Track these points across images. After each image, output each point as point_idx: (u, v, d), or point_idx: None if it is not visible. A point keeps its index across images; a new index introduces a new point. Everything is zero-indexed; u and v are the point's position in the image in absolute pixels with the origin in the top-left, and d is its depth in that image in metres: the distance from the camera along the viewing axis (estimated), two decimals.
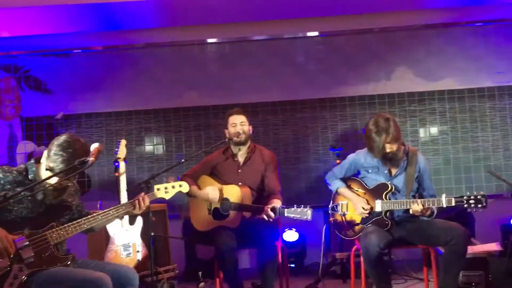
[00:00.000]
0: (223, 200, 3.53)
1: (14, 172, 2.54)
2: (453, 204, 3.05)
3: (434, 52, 5.09)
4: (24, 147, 5.14)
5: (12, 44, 5.12)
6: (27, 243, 2.41)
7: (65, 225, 2.55)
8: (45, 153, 2.55)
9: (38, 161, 2.60)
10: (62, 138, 2.55)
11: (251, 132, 3.71)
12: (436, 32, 5.10)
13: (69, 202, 2.67)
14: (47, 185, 2.49)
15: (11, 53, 5.15)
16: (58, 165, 2.47)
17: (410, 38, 5.11)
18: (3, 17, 4.65)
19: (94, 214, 2.65)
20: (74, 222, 2.57)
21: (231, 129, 3.66)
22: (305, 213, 3.19)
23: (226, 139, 3.69)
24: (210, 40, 5.21)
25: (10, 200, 2.30)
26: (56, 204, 2.61)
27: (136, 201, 2.73)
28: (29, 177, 2.55)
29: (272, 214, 3.29)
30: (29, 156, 5.12)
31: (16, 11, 4.52)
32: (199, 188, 3.63)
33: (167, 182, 2.95)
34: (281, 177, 4.89)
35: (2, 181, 2.49)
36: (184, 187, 2.96)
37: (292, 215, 3.23)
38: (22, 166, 2.60)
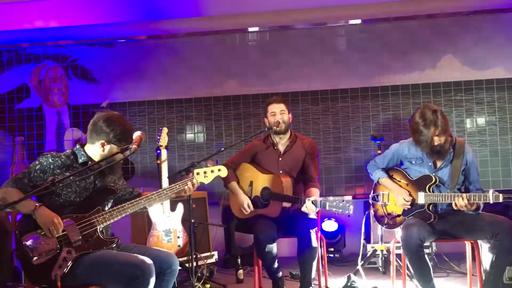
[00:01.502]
0: (263, 189, 3.54)
1: (62, 157, 2.63)
2: (501, 200, 2.94)
3: (482, 40, 4.89)
4: (72, 134, 5.33)
5: (60, 34, 5.29)
6: (75, 226, 2.50)
7: (110, 209, 2.63)
8: (106, 142, 2.60)
9: (83, 146, 2.69)
10: (111, 119, 2.63)
11: (291, 120, 3.69)
12: (484, 19, 4.90)
13: (113, 186, 2.74)
14: (112, 161, 2.59)
15: (59, 42, 5.33)
16: (116, 133, 2.58)
17: (457, 25, 4.93)
18: (52, 7, 4.82)
19: (148, 194, 2.71)
20: (119, 206, 2.64)
21: (271, 118, 3.64)
22: (347, 207, 3.13)
23: (266, 128, 3.68)
24: (251, 29, 5.20)
25: (58, 184, 2.38)
26: (102, 188, 2.68)
27: (189, 183, 2.76)
28: (80, 160, 2.64)
29: (313, 207, 3.26)
30: (76, 143, 5.29)
31: (64, 1, 4.67)
32: (237, 179, 3.66)
33: (206, 166, 2.97)
34: (321, 167, 4.89)
35: (52, 166, 2.57)
36: (223, 171, 2.96)
37: (334, 209, 3.19)
38: (69, 151, 2.69)
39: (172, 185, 2.81)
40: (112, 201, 2.75)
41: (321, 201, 3.23)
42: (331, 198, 3.17)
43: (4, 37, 5.33)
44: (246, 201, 3.54)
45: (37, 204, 2.44)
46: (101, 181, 2.70)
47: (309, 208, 3.26)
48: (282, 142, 3.68)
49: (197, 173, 2.91)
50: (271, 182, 3.51)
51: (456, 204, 3.05)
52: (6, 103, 5.37)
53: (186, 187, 2.79)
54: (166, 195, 2.76)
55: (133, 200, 2.67)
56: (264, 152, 3.70)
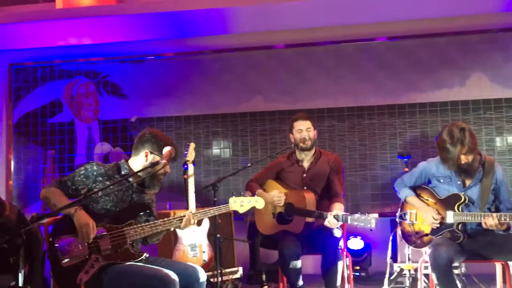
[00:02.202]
0: (287, 205, 3.54)
1: (106, 166, 2.76)
2: None
3: (511, 57, 4.82)
4: (101, 148, 5.45)
5: (92, 51, 5.46)
6: (107, 236, 2.57)
7: (142, 224, 2.68)
8: (150, 152, 2.74)
9: (127, 161, 2.81)
10: (154, 133, 2.79)
11: (315, 137, 3.70)
12: None
13: (149, 204, 2.82)
14: (159, 174, 2.73)
15: (91, 59, 5.49)
16: (160, 144, 2.74)
17: (486, 42, 4.88)
18: (85, 25, 4.98)
19: (181, 215, 2.79)
20: (151, 222, 2.70)
21: (297, 135, 3.65)
22: (369, 221, 3.12)
23: (292, 145, 3.70)
24: (277, 46, 5.25)
25: (90, 196, 2.47)
26: (138, 203, 2.77)
27: (185, 220, 2.78)
28: (122, 172, 2.75)
29: (335, 221, 3.25)
30: (105, 157, 5.41)
31: (97, 20, 4.82)
32: (265, 191, 3.67)
33: (243, 195, 3.00)
34: (346, 184, 4.86)
35: (95, 173, 2.69)
36: (260, 203, 2.99)
37: (355, 223, 3.18)
38: (113, 164, 2.82)
39: (208, 208, 2.90)
40: (144, 217, 2.81)
41: (343, 215, 3.22)
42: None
43: (39, 54, 5.53)
44: (276, 193, 3.52)
45: (77, 207, 2.54)
46: (138, 195, 2.78)
47: (331, 222, 3.25)
48: (307, 159, 3.69)
49: (234, 201, 2.96)
50: (295, 198, 3.51)
51: (486, 223, 2.99)
52: (39, 117, 5.53)
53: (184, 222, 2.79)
54: (200, 217, 2.86)
55: (165, 219, 2.73)
56: (289, 169, 3.70)
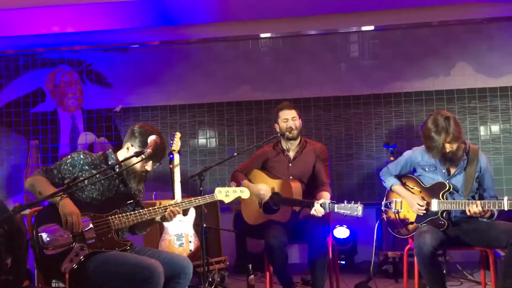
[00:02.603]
0: (273, 194, 3.54)
1: (93, 155, 2.74)
2: None
3: (496, 47, 4.87)
4: (85, 138, 5.39)
5: (76, 39, 5.37)
6: (91, 225, 2.55)
7: (128, 213, 2.67)
8: (131, 145, 2.70)
9: (116, 151, 2.79)
10: (141, 128, 2.73)
11: (301, 126, 3.69)
12: (498, 26, 4.88)
13: (135, 193, 2.80)
14: (139, 171, 2.68)
15: (74, 47, 5.40)
16: (142, 139, 2.68)
17: (471, 32, 4.92)
18: (68, 13, 4.88)
19: (167, 204, 2.76)
20: (136, 212, 2.68)
21: (282, 124, 3.64)
22: (356, 209, 3.14)
23: (278, 134, 3.69)
24: (263, 35, 5.23)
25: (72, 187, 2.45)
26: (124, 193, 2.75)
27: (170, 212, 2.75)
28: (109, 162, 2.73)
29: (321, 209, 3.26)
30: (90, 147, 5.35)
31: (80, 7, 4.73)
32: (251, 182, 3.67)
33: (228, 186, 3.01)
34: (332, 173, 4.87)
35: (82, 162, 2.67)
36: (245, 193, 3.00)
37: (342, 211, 3.19)
38: (100, 153, 2.79)
39: (194, 198, 2.88)
40: (131, 207, 2.79)
41: (329, 203, 3.23)
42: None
43: (21, 42, 5.41)
44: (263, 187, 3.52)
45: (63, 195, 2.52)
46: (125, 186, 2.76)
47: (318, 211, 3.26)
48: (292, 148, 3.68)
49: (219, 192, 2.96)
50: (281, 187, 3.52)
51: (469, 211, 3.02)
52: (21, 107, 5.44)
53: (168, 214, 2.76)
54: (184, 207, 2.84)
55: (151, 208, 2.71)
56: (275, 159, 3.70)
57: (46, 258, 2.49)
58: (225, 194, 2.96)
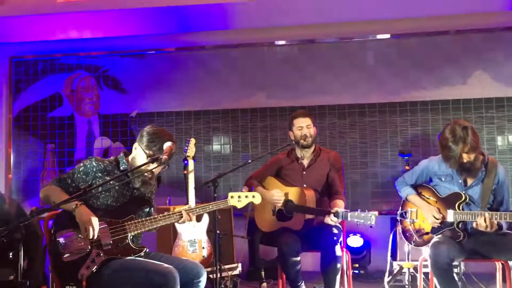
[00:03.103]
0: (287, 202, 3.53)
1: (106, 162, 2.74)
2: None
3: None
4: (101, 142, 5.44)
5: (93, 45, 5.44)
6: (108, 231, 2.56)
7: (143, 219, 2.67)
8: (138, 145, 2.71)
9: (127, 155, 2.79)
10: (152, 128, 2.73)
11: (315, 134, 3.69)
12: None
13: (149, 198, 2.81)
14: (144, 171, 2.66)
15: (92, 53, 5.46)
16: (155, 148, 2.66)
17: (488, 41, 4.87)
18: (86, 19, 4.96)
19: (181, 209, 2.77)
20: (152, 217, 2.69)
21: (297, 132, 3.64)
22: (369, 218, 3.12)
23: (292, 141, 3.68)
24: (278, 42, 5.24)
25: (89, 192, 2.45)
26: (139, 197, 2.76)
27: (184, 215, 2.76)
28: (121, 167, 2.73)
29: (335, 219, 3.25)
30: (105, 151, 5.40)
31: (97, 14, 4.80)
32: (265, 189, 3.67)
33: (241, 191, 3.01)
34: (346, 181, 4.84)
35: (94, 169, 2.67)
36: (257, 198, 3.00)
37: (355, 220, 3.18)
38: (113, 158, 2.79)
39: (207, 204, 2.89)
40: (146, 211, 2.81)
41: (343, 212, 3.21)
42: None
43: (39, 47, 5.51)
44: (275, 193, 3.52)
45: (78, 203, 2.52)
46: (138, 190, 2.76)
47: (332, 219, 3.24)
48: (306, 156, 3.68)
49: (231, 197, 2.96)
50: (294, 195, 3.51)
51: (477, 224, 2.98)
52: (39, 111, 5.52)
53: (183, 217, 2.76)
54: (198, 213, 2.85)
55: (165, 213, 2.72)
56: (289, 166, 3.70)
57: (63, 264, 2.49)
58: (238, 199, 2.96)
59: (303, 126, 3.61)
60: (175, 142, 2.71)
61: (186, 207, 2.82)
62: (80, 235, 2.50)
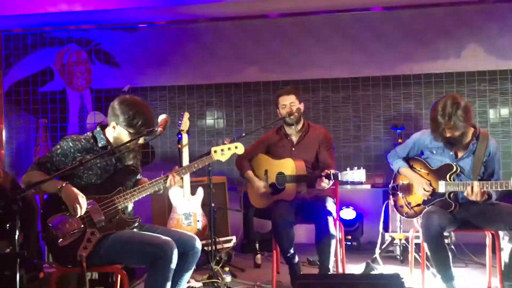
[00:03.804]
0: (278, 174, 3.57)
1: (83, 140, 2.66)
2: None
3: (508, 29, 4.80)
4: (94, 117, 5.41)
5: (84, 18, 5.34)
6: (98, 207, 2.55)
7: (131, 189, 2.66)
8: (117, 124, 2.63)
9: (104, 128, 2.71)
10: (123, 105, 2.62)
11: (302, 110, 3.68)
12: (510, 8, 4.79)
13: (135, 167, 2.76)
14: (131, 147, 2.60)
15: (83, 26, 5.38)
16: (141, 127, 2.59)
17: (482, 13, 4.84)
18: None
19: (168, 174, 2.73)
20: (140, 187, 2.67)
21: (282, 110, 3.67)
22: (360, 174, 3.18)
23: (283, 119, 3.69)
24: (271, 15, 5.18)
25: (85, 164, 2.42)
26: (123, 169, 2.72)
27: (170, 176, 2.72)
28: (99, 144, 2.67)
29: (327, 181, 3.28)
30: (97, 125, 5.37)
31: None
32: (253, 170, 3.71)
33: (223, 143, 2.99)
34: (340, 155, 4.88)
35: (72, 150, 2.61)
36: (240, 148, 2.98)
37: (346, 178, 3.23)
38: (89, 134, 2.72)
39: (192, 163, 2.86)
40: (133, 181, 2.79)
41: (333, 173, 3.25)
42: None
43: (29, 21, 5.40)
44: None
45: (63, 184, 2.49)
46: (122, 163, 2.72)
47: (324, 182, 3.28)
48: (294, 133, 3.69)
49: (215, 151, 2.93)
50: (284, 166, 3.54)
51: (468, 193, 3.02)
52: (30, 85, 5.46)
53: (169, 180, 2.72)
54: (185, 173, 2.83)
55: (153, 180, 2.70)
56: (278, 143, 3.73)
57: (60, 248, 2.47)
58: (221, 153, 2.93)
59: (287, 104, 3.64)
60: (149, 109, 2.63)
61: (173, 169, 2.78)
62: (71, 218, 2.47)
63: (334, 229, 3.36)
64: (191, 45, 5.26)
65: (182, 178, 2.81)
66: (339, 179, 3.24)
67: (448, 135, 3.07)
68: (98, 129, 2.71)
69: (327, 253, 3.34)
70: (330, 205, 3.50)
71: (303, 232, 4.71)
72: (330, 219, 3.35)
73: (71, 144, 2.61)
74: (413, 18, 4.95)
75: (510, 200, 3.26)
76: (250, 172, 3.70)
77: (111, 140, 2.67)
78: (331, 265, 3.36)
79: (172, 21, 5.29)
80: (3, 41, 5.47)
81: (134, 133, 2.60)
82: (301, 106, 3.68)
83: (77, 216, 2.47)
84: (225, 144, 2.97)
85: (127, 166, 2.72)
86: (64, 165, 2.56)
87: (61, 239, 2.46)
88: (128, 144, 2.59)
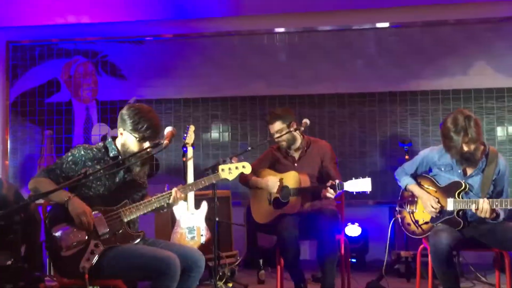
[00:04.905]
0: (282, 188, 3.53)
1: (94, 149, 2.66)
2: None
3: None
4: (99, 129, 5.40)
5: (91, 31, 5.38)
6: (103, 220, 2.52)
7: (137, 203, 2.63)
8: (124, 130, 2.61)
9: (115, 139, 2.70)
10: (130, 110, 2.61)
11: (293, 129, 3.58)
12: None
13: (142, 181, 2.75)
14: (140, 154, 2.58)
15: (90, 38, 5.40)
16: (146, 131, 2.57)
17: (490, 31, 4.84)
18: (84, 4, 4.90)
19: (174, 189, 2.70)
20: (146, 200, 2.64)
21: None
22: (365, 184, 3.13)
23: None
24: (278, 30, 5.19)
25: (90, 176, 2.40)
26: (131, 182, 2.70)
27: (174, 192, 2.69)
28: (110, 154, 2.66)
29: (331, 191, 3.24)
30: (103, 138, 5.36)
31: None
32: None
33: (230, 162, 2.96)
34: (346, 171, 4.84)
35: (83, 158, 2.61)
36: (247, 168, 2.95)
37: (352, 189, 3.18)
38: (101, 144, 2.71)
39: (199, 180, 2.82)
40: (140, 195, 2.77)
41: (338, 183, 3.21)
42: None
43: (37, 32, 5.44)
44: (270, 182, 3.51)
45: (70, 195, 2.47)
46: (130, 175, 2.71)
47: (329, 192, 3.25)
48: (294, 150, 3.67)
49: (222, 170, 2.90)
50: (289, 179, 3.51)
51: (478, 209, 2.98)
52: (36, 96, 5.47)
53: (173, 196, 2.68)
54: (192, 190, 2.79)
55: (159, 194, 2.67)
56: (281, 160, 3.70)
57: (63, 259, 2.45)
58: (228, 172, 2.89)
59: (274, 133, 3.61)
60: (156, 115, 2.62)
61: (179, 186, 2.75)
62: (75, 229, 2.45)
63: (338, 245, 3.31)
64: (197, 58, 5.27)
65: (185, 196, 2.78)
66: (344, 189, 3.20)
67: (465, 149, 3.03)
68: (109, 139, 2.72)
69: (331, 270, 3.28)
70: (334, 220, 3.45)
71: (306, 248, 4.65)
72: (334, 235, 3.31)
73: (82, 152, 2.61)
74: (421, 34, 4.95)
75: None
76: (254, 177, 3.62)
77: (120, 148, 2.67)
78: (335, 281, 3.30)
79: (179, 35, 5.31)
80: (10, 52, 5.49)
81: (139, 138, 2.58)
82: (294, 125, 3.58)
83: (85, 230, 2.45)
84: (232, 163, 2.95)
85: (135, 179, 2.71)
86: (74, 173, 2.56)
87: (64, 249, 2.44)
88: (138, 154, 2.58)
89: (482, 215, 3.00)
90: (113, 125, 5.38)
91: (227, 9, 5.08)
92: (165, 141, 2.58)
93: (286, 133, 3.55)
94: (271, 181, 3.51)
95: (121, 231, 2.56)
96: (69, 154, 2.62)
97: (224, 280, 3.86)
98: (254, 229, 4.65)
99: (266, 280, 4.21)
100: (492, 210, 2.99)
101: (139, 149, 2.59)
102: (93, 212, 2.50)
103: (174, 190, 2.68)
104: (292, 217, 3.43)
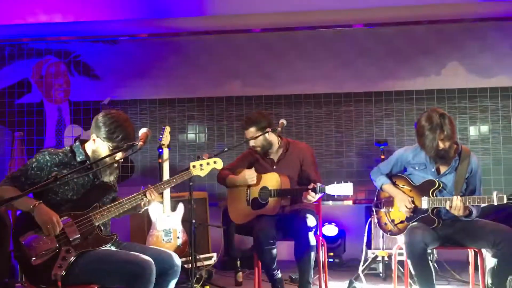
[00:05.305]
0: (262, 188, 3.51)
1: (60, 154, 2.57)
2: (505, 201, 2.92)
3: (488, 48, 4.87)
4: (72, 130, 5.29)
5: (64, 30, 5.25)
6: (73, 225, 2.45)
7: (108, 205, 2.58)
8: (97, 137, 2.55)
9: (83, 143, 2.63)
10: (106, 117, 2.55)
11: (280, 127, 3.58)
12: (490, 26, 4.88)
13: (112, 183, 2.68)
14: (108, 163, 2.52)
15: (62, 38, 5.28)
16: (121, 142, 2.51)
17: (463, 31, 4.91)
18: (56, 2, 4.79)
19: (146, 189, 2.65)
20: (117, 202, 2.59)
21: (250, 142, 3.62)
22: (347, 188, 3.18)
23: None
24: (255, 30, 5.17)
25: (59, 181, 2.32)
26: (100, 185, 2.63)
27: (148, 191, 2.65)
28: (78, 159, 2.59)
29: (313, 194, 3.24)
30: (76, 140, 5.25)
31: None
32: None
33: (202, 159, 2.93)
34: (322, 171, 4.84)
35: (49, 163, 2.53)
36: (219, 163, 2.93)
37: (333, 192, 3.21)
38: (67, 148, 2.63)
39: (171, 178, 2.80)
40: (111, 198, 2.71)
41: (320, 186, 3.23)
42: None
43: (7, 31, 5.28)
44: (246, 172, 3.51)
45: (36, 202, 2.39)
46: (99, 178, 2.64)
47: (310, 195, 3.24)
48: (273, 152, 3.65)
49: (193, 166, 2.88)
50: (268, 181, 3.49)
51: (451, 207, 3.02)
52: (6, 97, 5.32)
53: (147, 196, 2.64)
54: (164, 188, 2.75)
55: (130, 196, 2.62)
56: (260, 162, 3.68)
57: (34, 267, 2.37)
58: (200, 168, 2.89)
59: (248, 139, 3.59)
60: (132, 125, 2.56)
61: (149, 186, 2.69)
62: (44, 236, 2.37)
63: (314, 245, 3.31)
64: (173, 58, 5.20)
65: (162, 194, 2.73)
66: (326, 192, 3.21)
67: (441, 146, 3.06)
68: (77, 143, 2.63)
69: (307, 270, 3.29)
70: (311, 220, 3.45)
71: (284, 249, 4.64)
72: (310, 234, 3.31)
73: (47, 158, 2.52)
74: (395, 35, 5.00)
75: (488, 219, 3.28)
76: (232, 176, 3.61)
77: (90, 153, 2.59)
78: (311, 279, 3.30)
79: (154, 34, 5.24)
80: None
81: (112, 147, 2.53)
82: (269, 132, 3.54)
83: (52, 236, 2.37)
84: (204, 159, 2.92)
85: (105, 182, 2.64)
86: (39, 179, 2.47)
87: (34, 258, 2.35)
88: (106, 159, 2.52)
89: (456, 213, 3.05)
90: (87, 126, 5.27)
91: (203, 9, 5.04)
92: (140, 143, 2.52)
93: (259, 136, 3.53)
94: (248, 173, 3.51)
95: (93, 235, 2.49)
96: (34, 160, 2.53)
97: (201, 283, 3.82)
98: (231, 231, 4.63)
99: (244, 281, 4.18)
100: (465, 208, 3.04)
101: (111, 158, 2.53)
102: (62, 218, 2.42)
103: (147, 190, 2.64)
104: (269, 217, 3.42)
